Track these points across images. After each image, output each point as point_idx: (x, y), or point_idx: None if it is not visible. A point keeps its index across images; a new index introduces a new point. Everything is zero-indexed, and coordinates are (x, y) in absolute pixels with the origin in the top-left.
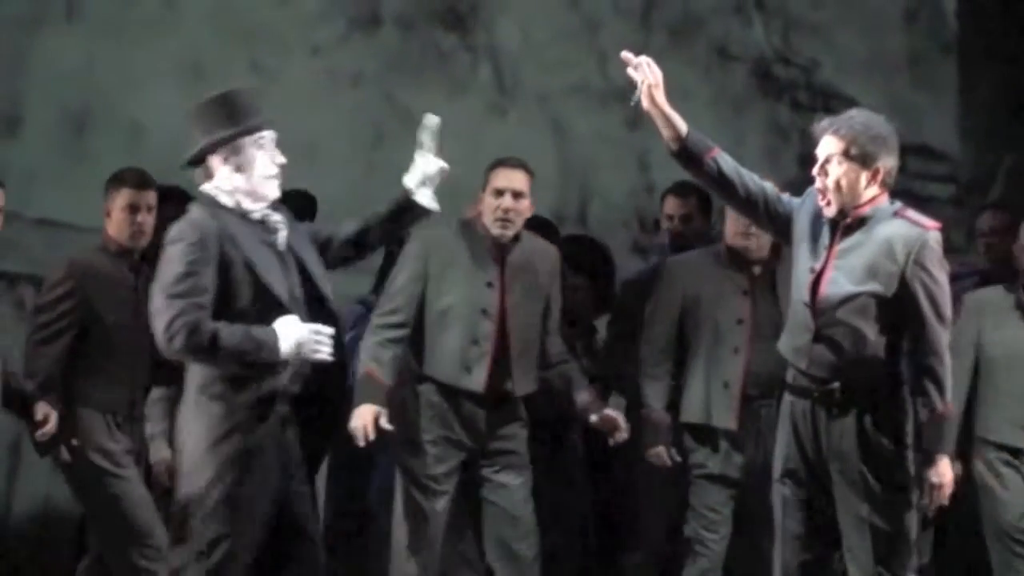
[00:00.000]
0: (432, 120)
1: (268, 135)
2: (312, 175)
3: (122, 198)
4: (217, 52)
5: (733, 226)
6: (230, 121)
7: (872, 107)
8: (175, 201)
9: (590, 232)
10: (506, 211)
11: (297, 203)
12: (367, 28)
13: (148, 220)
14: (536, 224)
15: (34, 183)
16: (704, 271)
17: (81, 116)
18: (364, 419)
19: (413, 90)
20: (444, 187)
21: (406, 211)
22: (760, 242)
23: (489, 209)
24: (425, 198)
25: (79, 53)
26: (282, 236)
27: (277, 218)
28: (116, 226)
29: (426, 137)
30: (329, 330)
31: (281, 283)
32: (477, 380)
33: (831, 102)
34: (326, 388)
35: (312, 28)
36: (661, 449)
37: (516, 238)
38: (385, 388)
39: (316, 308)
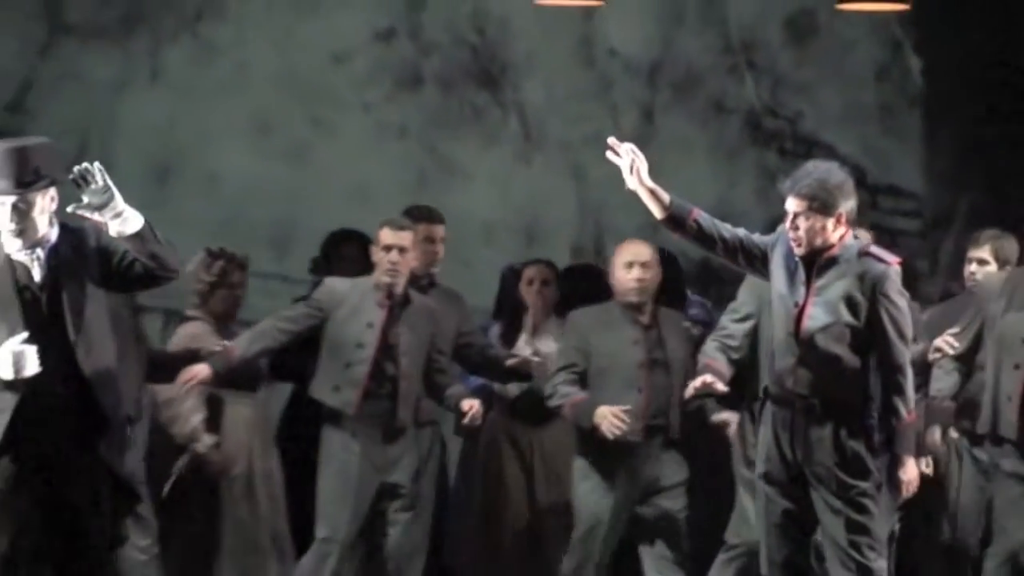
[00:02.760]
0: None
1: None
2: (363, 214)
3: None
4: (281, 110)
5: None
6: None
7: (848, 153)
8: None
9: (605, 264)
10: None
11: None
12: (411, 87)
13: None
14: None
15: None
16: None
17: (163, 167)
18: None
19: (451, 141)
20: (478, 224)
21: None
22: None
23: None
24: None
25: (161, 111)
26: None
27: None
28: None
29: None
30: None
31: None
32: None
33: (813, 149)
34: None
35: (363, 88)
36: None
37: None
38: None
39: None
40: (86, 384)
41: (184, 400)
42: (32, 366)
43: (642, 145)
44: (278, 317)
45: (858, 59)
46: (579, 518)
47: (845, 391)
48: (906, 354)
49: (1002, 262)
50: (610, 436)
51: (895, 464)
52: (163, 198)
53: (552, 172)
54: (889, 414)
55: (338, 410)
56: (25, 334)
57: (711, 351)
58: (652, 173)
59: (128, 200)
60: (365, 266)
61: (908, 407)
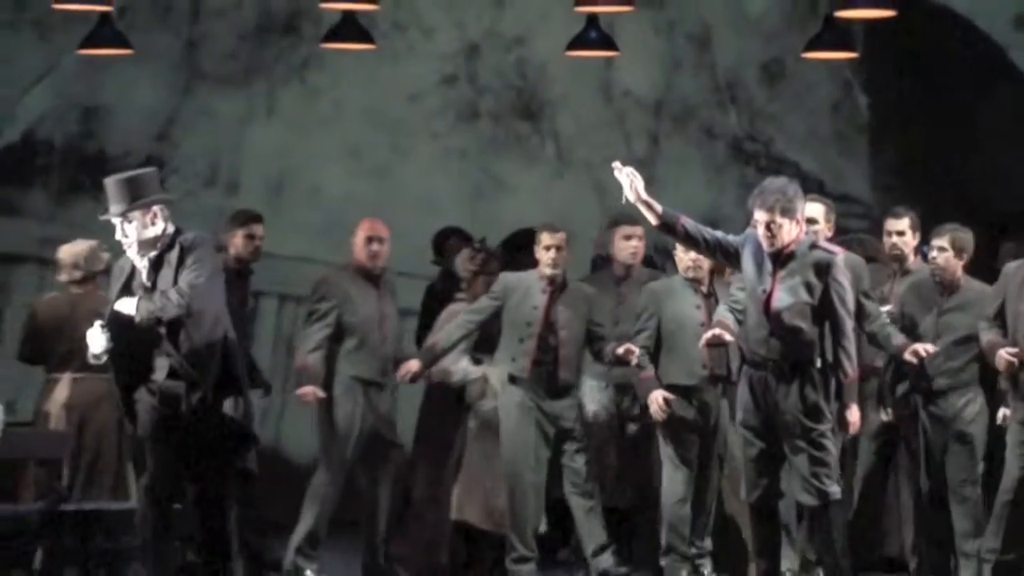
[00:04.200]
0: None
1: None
2: (432, 219)
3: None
4: (368, 138)
5: None
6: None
7: (810, 169)
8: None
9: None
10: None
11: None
12: (469, 120)
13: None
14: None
15: None
16: None
17: (277, 183)
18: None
19: (500, 162)
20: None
21: None
22: None
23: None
24: None
25: (276, 140)
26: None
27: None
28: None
29: None
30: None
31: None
32: None
33: (782, 166)
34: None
35: (432, 120)
36: None
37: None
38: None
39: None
40: (181, 361)
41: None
42: (96, 346)
43: (649, 164)
44: (466, 311)
45: (818, 96)
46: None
47: (805, 355)
48: (850, 323)
49: (958, 250)
50: (656, 418)
51: (843, 410)
52: (277, 208)
53: (579, 186)
54: (838, 371)
55: (515, 375)
56: (101, 321)
57: (723, 311)
58: (658, 186)
59: (252, 207)
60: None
61: (852, 365)
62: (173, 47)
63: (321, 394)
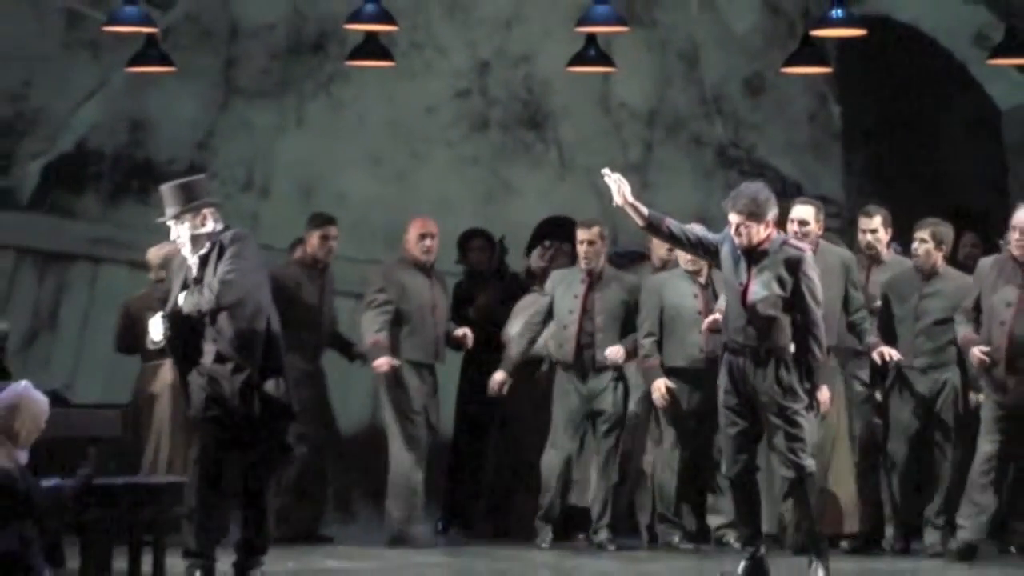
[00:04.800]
0: None
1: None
2: (447, 220)
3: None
4: (389, 146)
5: None
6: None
7: (789, 174)
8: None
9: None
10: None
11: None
12: (481, 129)
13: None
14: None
15: (277, 229)
16: None
17: (307, 188)
18: None
19: (509, 167)
20: (528, 228)
21: None
22: None
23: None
24: None
25: (305, 147)
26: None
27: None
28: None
29: None
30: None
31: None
32: None
33: (764, 171)
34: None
35: (447, 130)
36: None
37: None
38: None
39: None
40: (225, 347)
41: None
42: (155, 334)
43: (644, 170)
44: (528, 314)
45: (796, 107)
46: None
47: (780, 341)
48: (819, 313)
49: (938, 242)
50: (658, 405)
51: (814, 391)
52: (307, 210)
53: (580, 189)
54: (809, 356)
55: (560, 360)
56: (161, 312)
57: (721, 302)
58: (652, 189)
59: (283, 209)
60: (491, 253)
61: (822, 351)
62: (212, 65)
63: (396, 362)
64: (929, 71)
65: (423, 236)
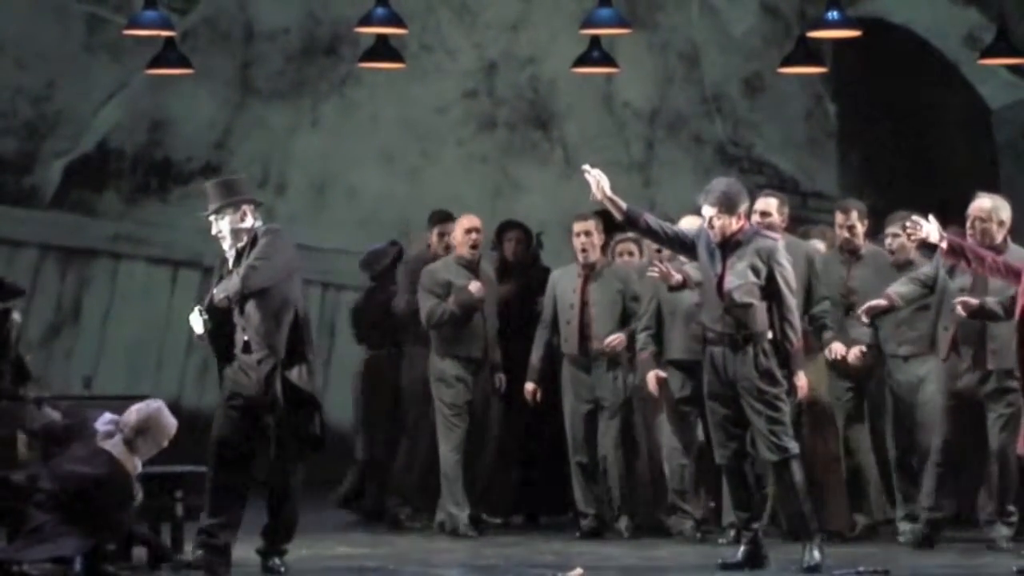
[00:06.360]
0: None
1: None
2: (457, 216)
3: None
4: (401, 145)
5: None
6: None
7: (786, 170)
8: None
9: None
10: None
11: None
12: (489, 128)
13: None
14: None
15: (294, 223)
16: None
17: (320, 185)
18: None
19: (516, 165)
20: (534, 223)
21: None
22: None
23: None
24: None
25: (319, 146)
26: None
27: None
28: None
29: None
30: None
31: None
32: None
33: (762, 168)
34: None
35: (457, 128)
36: None
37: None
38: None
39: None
40: (253, 335)
41: None
42: (196, 327)
43: (646, 167)
44: (540, 325)
45: (792, 106)
46: None
47: (756, 327)
48: (793, 300)
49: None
50: (652, 394)
51: (791, 376)
52: (321, 206)
53: (584, 186)
54: (785, 341)
55: (565, 352)
56: (199, 306)
57: (691, 270)
58: (653, 186)
59: (298, 206)
60: (527, 244)
61: (797, 337)
62: (229, 67)
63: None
64: (922, 71)
65: (469, 231)
